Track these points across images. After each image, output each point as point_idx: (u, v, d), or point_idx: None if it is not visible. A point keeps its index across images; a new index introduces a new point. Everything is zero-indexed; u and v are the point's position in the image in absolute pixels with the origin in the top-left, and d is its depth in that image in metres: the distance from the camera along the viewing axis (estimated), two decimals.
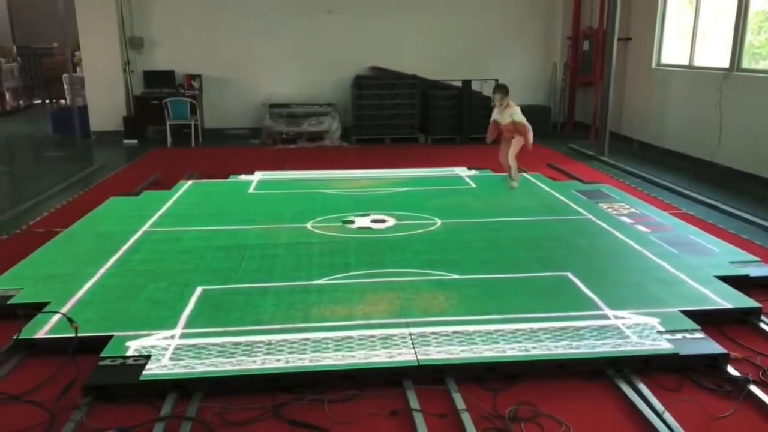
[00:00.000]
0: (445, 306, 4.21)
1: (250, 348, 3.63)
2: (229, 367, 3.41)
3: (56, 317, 3.98)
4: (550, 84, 12.64)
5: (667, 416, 3.08)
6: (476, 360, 3.50)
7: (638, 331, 3.81)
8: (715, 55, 9.02)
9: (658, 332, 3.79)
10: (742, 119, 8.11)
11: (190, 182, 7.90)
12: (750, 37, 8.28)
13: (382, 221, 6.13)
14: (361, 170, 8.66)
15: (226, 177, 8.21)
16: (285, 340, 3.72)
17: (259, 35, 11.74)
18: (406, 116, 11.43)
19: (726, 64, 8.50)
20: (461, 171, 8.63)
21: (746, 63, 8.31)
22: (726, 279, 4.61)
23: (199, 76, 11.67)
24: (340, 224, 6.06)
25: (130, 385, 3.29)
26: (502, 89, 7.50)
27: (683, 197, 7.39)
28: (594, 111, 11.21)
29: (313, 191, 7.45)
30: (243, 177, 8.24)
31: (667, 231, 5.85)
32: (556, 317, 4.01)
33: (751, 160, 7.94)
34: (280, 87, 11.91)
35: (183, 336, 3.79)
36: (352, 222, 6.09)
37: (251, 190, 7.60)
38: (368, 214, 6.32)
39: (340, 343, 3.69)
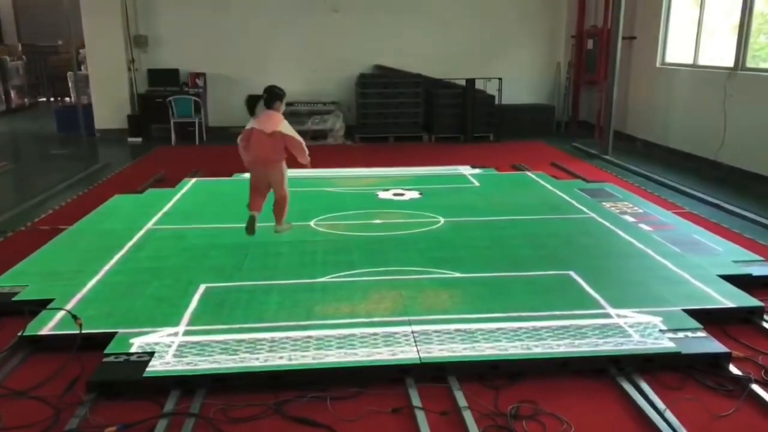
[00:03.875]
0: (447, 304, 4.22)
1: (253, 345, 3.64)
2: (232, 364, 3.43)
3: (61, 314, 4.00)
4: (555, 83, 12.62)
5: (669, 415, 3.09)
6: (478, 358, 3.51)
7: (640, 329, 3.81)
8: (719, 54, 8.99)
9: (661, 331, 3.79)
10: (747, 118, 8.09)
11: (194, 180, 7.92)
12: (752, 39, 8.24)
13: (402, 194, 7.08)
14: (365, 168, 8.66)
15: (230, 175, 8.22)
16: (288, 338, 3.73)
17: (264, 34, 11.75)
18: (410, 115, 11.42)
19: (731, 63, 8.48)
20: (465, 169, 8.62)
21: (751, 62, 8.28)
22: (729, 278, 4.61)
23: (204, 74, 11.68)
24: (345, 222, 6.08)
25: (133, 382, 3.31)
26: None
27: (687, 196, 7.38)
28: (598, 110, 11.19)
29: (317, 189, 7.46)
30: (247, 175, 8.21)
31: (670, 230, 5.84)
32: (558, 315, 4.01)
33: (756, 159, 7.92)
34: (284, 85, 11.69)
35: (186, 333, 3.81)
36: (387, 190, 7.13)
37: None
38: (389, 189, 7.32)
39: (342, 340, 3.70)
